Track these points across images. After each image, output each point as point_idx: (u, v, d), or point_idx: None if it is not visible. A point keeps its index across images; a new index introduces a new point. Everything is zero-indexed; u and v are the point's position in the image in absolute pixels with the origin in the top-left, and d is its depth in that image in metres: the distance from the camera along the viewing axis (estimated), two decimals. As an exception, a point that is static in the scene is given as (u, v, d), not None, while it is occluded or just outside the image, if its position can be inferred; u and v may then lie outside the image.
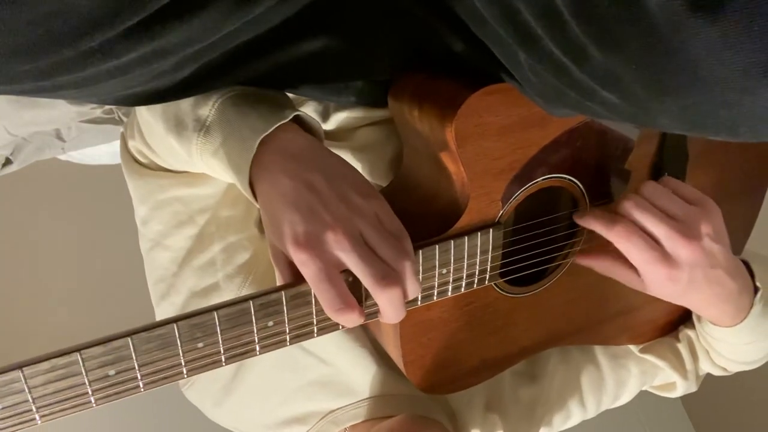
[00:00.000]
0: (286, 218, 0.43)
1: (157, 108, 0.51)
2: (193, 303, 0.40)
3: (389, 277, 0.43)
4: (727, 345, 0.64)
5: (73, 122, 0.92)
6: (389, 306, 0.44)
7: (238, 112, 0.48)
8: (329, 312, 0.43)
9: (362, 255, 0.42)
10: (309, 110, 0.61)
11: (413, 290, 0.45)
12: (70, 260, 1.51)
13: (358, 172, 0.47)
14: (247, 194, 0.47)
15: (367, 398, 0.61)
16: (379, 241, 0.43)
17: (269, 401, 0.61)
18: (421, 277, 0.51)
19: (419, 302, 0.53)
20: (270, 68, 0.50)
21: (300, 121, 0.50)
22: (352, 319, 0.44)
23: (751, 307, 0.59)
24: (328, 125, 0.61)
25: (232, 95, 0.49)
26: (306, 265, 0.42)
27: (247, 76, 0.50)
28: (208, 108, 0.49)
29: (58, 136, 0.94)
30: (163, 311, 0.60)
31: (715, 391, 0.87)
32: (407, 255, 0.44)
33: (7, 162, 0.96)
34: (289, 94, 0.61)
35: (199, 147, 0.49)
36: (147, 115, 0.53)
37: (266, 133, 0.46)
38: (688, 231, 0.51)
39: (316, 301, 0.46)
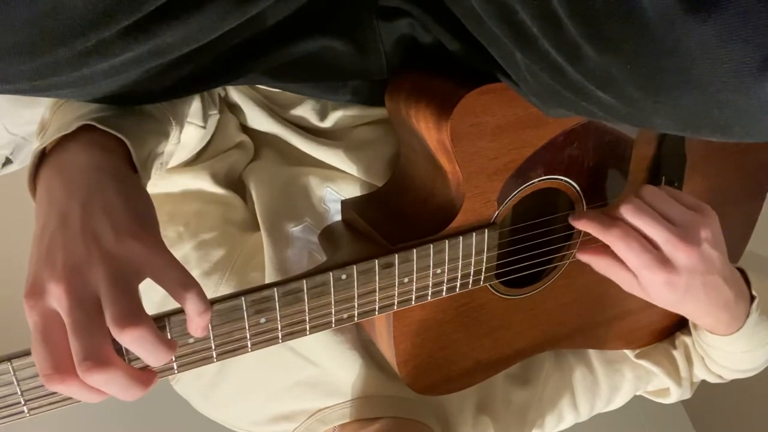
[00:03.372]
0: (31, 254, 0.39)
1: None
2: (170, 301, 0.39)
3: (92, 357, 0.35)
4: (723, 353, 0.64)
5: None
6: (104, 389, 0.37)
7: (55, 119, 0.45)
8: (40, 375, 0.36)
9: (75, 321, 0.35)
10: (307, 109, 0.61)
11: (152, 362, 0.38)
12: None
13: (135, 207, 0.40)
14: None
15: (355, 398, 0.60)
16: (108, 301, 0.36)
17: (255, 397, 0.61)
18: (415, 277, 0.51)
19: (413, 302, 0.52)
20: (267, 67, 0.50)
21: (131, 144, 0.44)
22: (67, 390, 0.37)
23: (747, 316, 0.59)
24: (326, 123, 0.61)
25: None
26: (27, 315, 0.37)
27: (244, 75, 0.50)
28: (51, 112, 0.47)
29: (58, 135, 0.94)
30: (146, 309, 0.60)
31: (715, 392, 0.87)
32: (132, 323, 0.36)
33: (7, 161, 0.96)
34: (288, 93, 0.61)
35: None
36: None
37: (43, 144, 0.42)
38: (687, 236, 0.51)
39: (309, 297, 0.46)
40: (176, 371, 0.44)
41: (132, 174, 0.44)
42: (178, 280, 0.39)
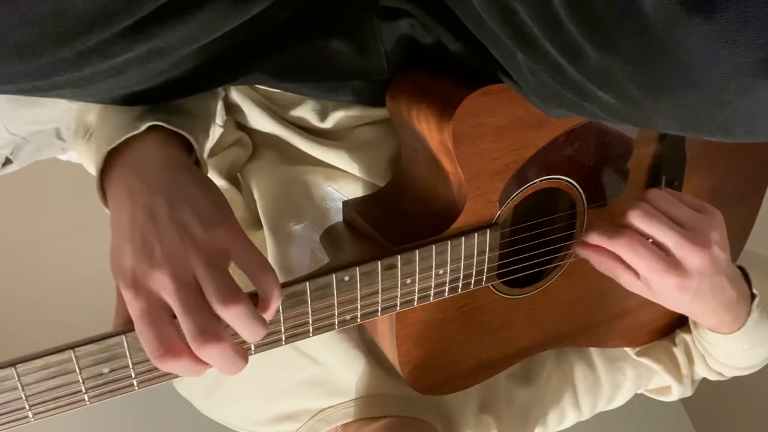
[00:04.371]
0: (120, 249, 0.40)
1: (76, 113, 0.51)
2: None
3: (207, 332, 0.38)
4: (724, 351, 0.64)
5: (73, 121, 0.92)
6: (215, 362, 0.39)
7: (105, 120, 0.47)
8: (150, 358, 0.39)
9: (184, 301, 0.38)
10: (307, 109, 0.61)
11: (250, 337, 0.40)
12: (68, 260, 1.51)
13: (213, 197, 0.43)
14: (106, 210, 0.45)
15: (358, 398, 0.60)
16: (208, 282, 0.39)
17: (256, 397, 0.61)
18: (417, 278, 0.51)
19: (415, 303, 0.52)
20: (267, 67, 0.50)
21: (187, 139, 0.47)
22: (178, 367, 0.39)
23: (748, 315, 0.59)
24: (327, 124, 0.61)
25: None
26: (130, 305, 0.39)
27: (245, 75, 0.50)
28: (93, 114, 0.48)
29: (58, 136, 0.94)
30: None
31: (715, 391, 0.87)
32: (234, 300, 0.39)
33: (7, 162, 0.96)
34: (288, 93, 0.61)
35: (83, 154, 0.49)
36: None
37: (112, 146, 0.44)
38: (697, 239, 0.51)
39: (312, 300, 0.46)
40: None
41: (198, 168, 0.46)
42: (259, 265, 0.41)
